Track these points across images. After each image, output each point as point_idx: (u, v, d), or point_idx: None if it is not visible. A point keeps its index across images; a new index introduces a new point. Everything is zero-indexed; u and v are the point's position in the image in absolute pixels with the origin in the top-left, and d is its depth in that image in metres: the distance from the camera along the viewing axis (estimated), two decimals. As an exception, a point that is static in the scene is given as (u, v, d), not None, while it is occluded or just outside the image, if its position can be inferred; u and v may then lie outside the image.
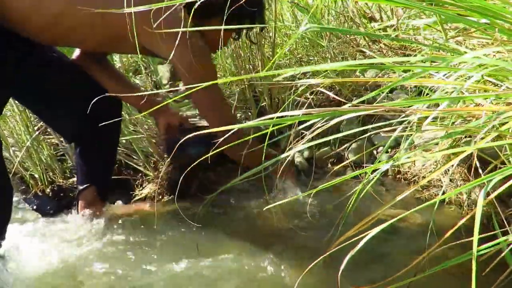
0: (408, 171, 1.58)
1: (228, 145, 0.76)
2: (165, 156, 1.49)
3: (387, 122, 0.94)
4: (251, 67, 1.92)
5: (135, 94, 1.16)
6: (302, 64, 2.21)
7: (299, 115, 0.75)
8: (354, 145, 1.72)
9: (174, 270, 1.17)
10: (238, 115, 2.03)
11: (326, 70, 2.05)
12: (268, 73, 0.75)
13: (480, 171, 0.99)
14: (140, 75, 2.10)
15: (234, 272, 1.14)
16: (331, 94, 1.43)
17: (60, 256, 1.24)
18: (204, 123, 1.48)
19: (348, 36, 1.88)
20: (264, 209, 0.94)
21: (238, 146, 0.81)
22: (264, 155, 0.90)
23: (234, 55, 1.83)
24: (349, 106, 0.76)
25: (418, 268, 0.74)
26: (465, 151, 0.72)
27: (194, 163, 0.85)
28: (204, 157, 0.77)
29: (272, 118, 0.72)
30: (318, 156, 1.77)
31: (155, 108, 1.02)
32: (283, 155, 0.90)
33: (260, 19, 1.24)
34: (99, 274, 1.18)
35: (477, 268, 0.72)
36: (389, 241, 1.29)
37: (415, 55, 1.60)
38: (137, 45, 0.90)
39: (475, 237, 0.52)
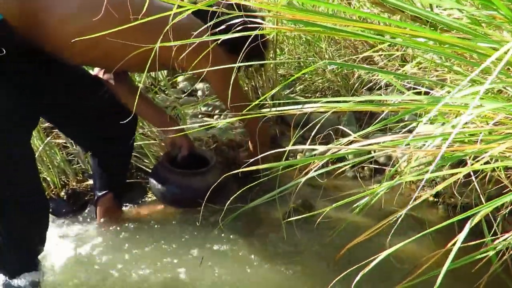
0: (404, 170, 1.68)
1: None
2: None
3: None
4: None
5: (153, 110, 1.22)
6: (301, 64, 2.28)
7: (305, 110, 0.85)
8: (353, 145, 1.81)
9: (180, 274, 1.26)
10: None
11: (324, 71, 2.14)
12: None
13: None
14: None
15: (238, 279, 1.23)
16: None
17: (82, 261, 1.32)
18: (204, 153, 1.56)
19: (346, 41, 1.95)
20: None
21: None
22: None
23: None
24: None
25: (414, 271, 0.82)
26: (460, 172, 0.81)
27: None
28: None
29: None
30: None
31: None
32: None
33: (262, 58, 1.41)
34: (119, 275, 1.26)
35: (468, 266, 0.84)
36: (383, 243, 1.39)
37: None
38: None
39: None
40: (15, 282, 1.21)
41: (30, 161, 1.21)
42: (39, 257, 1.28)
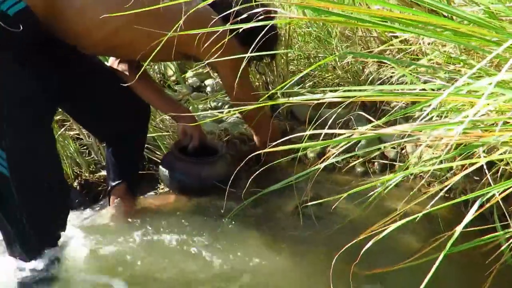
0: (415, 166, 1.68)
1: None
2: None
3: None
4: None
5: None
6: (311, 61, 2.29)
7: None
8: (363, 141, 1.82)
9: (190, 263, 1.28)
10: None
11: (334, 68, 2.15)
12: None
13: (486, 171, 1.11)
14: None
15: (250, 268, 1.25)
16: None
17: (96, 249, 1.34)
18: (215, 144, 1.57)
19: (356, 34, 1.96)
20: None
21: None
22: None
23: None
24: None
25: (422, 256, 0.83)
26: (477, 162, 0.82)
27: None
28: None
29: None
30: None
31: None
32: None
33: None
34: (128, 264, 1.28)
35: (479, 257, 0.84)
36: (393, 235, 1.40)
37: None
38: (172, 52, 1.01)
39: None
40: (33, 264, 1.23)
41: (49, 147, 1.22)
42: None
